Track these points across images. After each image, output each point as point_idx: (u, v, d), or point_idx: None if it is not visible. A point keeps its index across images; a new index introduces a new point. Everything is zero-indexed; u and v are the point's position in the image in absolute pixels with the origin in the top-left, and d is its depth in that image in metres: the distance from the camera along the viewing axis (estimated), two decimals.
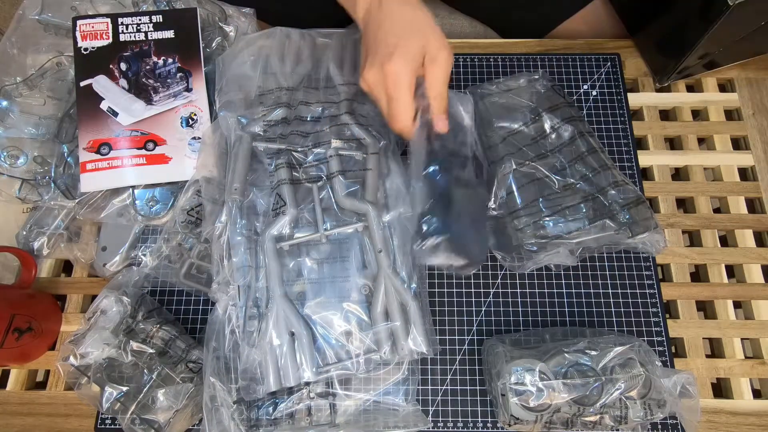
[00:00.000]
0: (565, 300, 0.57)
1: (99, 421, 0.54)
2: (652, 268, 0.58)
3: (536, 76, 0.61)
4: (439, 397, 0.54)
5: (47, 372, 0.58)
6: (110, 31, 0.61)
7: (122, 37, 0.61)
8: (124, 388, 0.49)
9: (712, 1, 0.53)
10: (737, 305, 0.58)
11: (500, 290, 0.58)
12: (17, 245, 0.60)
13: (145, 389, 0.49)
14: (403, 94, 0.48)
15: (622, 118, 0.64)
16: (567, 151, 0.56)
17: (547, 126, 0.57)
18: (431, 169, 0.50)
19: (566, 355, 0.47)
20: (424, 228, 0.46)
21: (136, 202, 0.59)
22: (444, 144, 0.52)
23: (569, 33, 0.74)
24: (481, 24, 0.82)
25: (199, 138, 0.60)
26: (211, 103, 0.62)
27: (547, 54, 0.69)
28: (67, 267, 0.63)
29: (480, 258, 0.53)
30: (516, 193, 0.55)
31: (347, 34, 0.66)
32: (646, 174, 0.64)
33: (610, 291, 0.57)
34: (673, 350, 0.57)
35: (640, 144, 0.65)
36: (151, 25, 0.61)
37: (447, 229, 0.46)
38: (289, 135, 0.57)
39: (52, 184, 0.59)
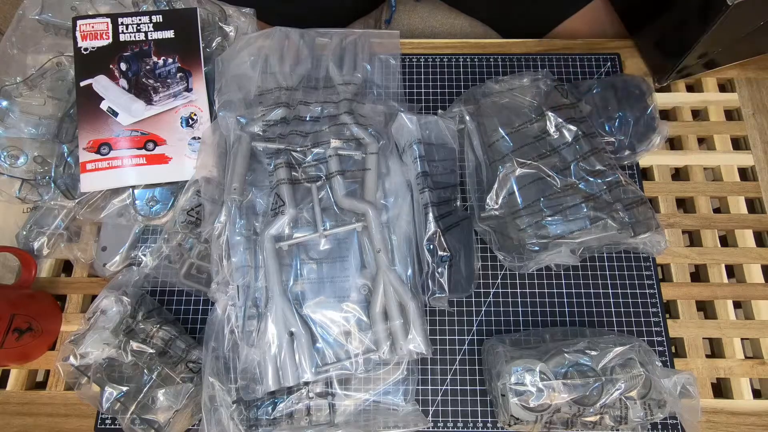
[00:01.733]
0: (565, 300, 0.57)
1: (99, 421, 0.54)
2: (652, 268, 0.58)
3: (540, 75, 0.61)
4: (439, 397, 0.54)
5: (47, 372, 0.58)
6: (110, 31, 0.61)
7: (122, 37, 0.61)
8: (124, 388, 0.49)
9: (711, 1, 0.53)
10: (737, 305, 0.58)
11: (500, 290, 0.58)
12: (17, 245, 0.60)
13: (145, 389, 0.49)
14: None
15: None
16: (569, 150, 0.56)
17: (549, 125, 0.57)
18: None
19: (566, 355, 0.47)
20: (430, 285, 0.52)
21: (136, 202, 0.59)
22: (434, 177, 0.56)
23: (569, 33, 0.74)
24: (481, 24, 0.82)
25: (199, 138, 0.60)
26: (211, 103, 0.62)
27: (547, 54, 0.69)
28: (67, 267, 0.63)
29: (472, 283, 0.56)
30: (517, 193, 0.54)
31: (347, 33, 0.66)
32: (646, 174, 0.64)
33: (610, 291, 0.57)
34: (673, 350, 0.57)
35: None
36: (151, 25, 0.61)
37: (449, 286, 0.52)
38: (289, 135, 0.57)
39: (52, 184, 0.59)
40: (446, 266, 0.53)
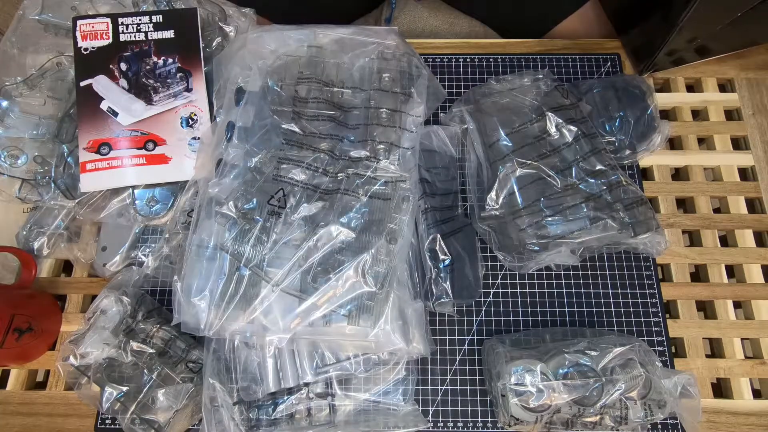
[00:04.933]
0: (565, 300, 0.57)
1: (99, 421, 0.54)
2: (652, 268, 0.58)
3: (540, 75, 0.61)
4: (439, 397, 0.54)
5: (47, 372, 0.58)
6: (110, 31, 0.61)
7: (122, 37, 0.61)
8: (124, 388, 0.49)
9: None
10: (737, 305, 0.58)
11: (500, 290, 0.58)
12: (17, 245, 0.60)
13: (145, 389, 0.49)
14: None
15: None
16: (569, 151, 0.56)
17: (549, 125, 0.57)
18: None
19: (566, 355, 0.47)
20: (434, 291, 0.53)
21: (136, 202, 0.59)
22: (435, 184, 0.56)
23: (566, 32, 0.74)
24: (481, 24, 0.82)
25: (199, 138, 0.60)
26: (211, 103, 0.62)
27: (546, 54, 0.69)
28: (67, 267, 0.63)
29: (479, 289, 0.56)
30: (517, 194, 0.54)
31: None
32: (646, 174, 0.64)
33: (610, 291, 0.57)
34: (673, 350, 0.57)
35: None
36: (151, 25, 0.61)
37: (452, 291, 0.53)
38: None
39: (52, 184, 0.59)
40: (448, 271, 0.53)
